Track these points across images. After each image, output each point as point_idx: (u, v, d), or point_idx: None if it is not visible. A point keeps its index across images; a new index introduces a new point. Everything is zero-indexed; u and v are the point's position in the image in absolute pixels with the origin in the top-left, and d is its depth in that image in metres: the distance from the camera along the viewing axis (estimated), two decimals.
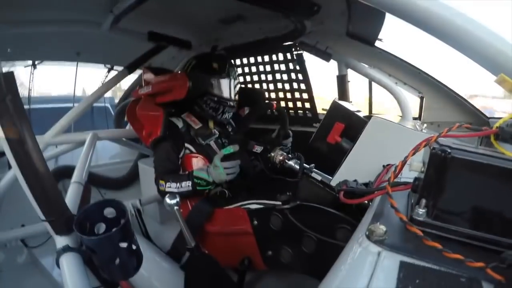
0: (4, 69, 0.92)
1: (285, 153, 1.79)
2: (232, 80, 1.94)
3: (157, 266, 1.63)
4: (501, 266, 0.48)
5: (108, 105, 4.26)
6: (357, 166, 1.27)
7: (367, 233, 0.57)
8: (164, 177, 1.73)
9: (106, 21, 1.94)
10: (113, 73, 2.78)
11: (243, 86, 2.17)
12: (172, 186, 1.69)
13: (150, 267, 1.60)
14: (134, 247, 0.93)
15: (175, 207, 1.38)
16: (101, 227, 0.94)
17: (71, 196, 1.37)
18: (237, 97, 1.99)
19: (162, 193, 1.71)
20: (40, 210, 0.98)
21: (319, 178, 1.63)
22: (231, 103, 1.93)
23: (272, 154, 1.82)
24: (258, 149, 1.94)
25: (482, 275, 0.48)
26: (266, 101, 2.46)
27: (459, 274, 0.48)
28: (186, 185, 1.67)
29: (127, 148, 2.82)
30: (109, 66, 2.82)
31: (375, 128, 1.30)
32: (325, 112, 1.73)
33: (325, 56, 2.18)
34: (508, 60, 0.76)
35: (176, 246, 1.74)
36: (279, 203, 1.42)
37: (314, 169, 1.71)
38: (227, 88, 1.93)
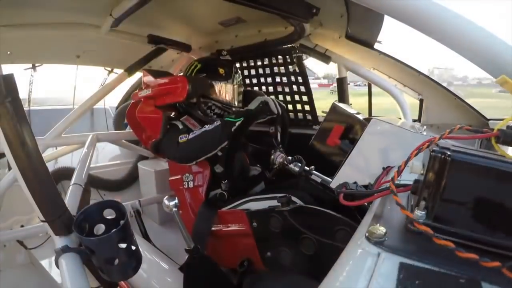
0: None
1: (285, 155, 1.78)
2: (237, 86, 1.94)
3: (156, 267, 1.63)
4: None
5: (108, 107, 4.26)
6: (357, 168, 1.27)
7: (366, 234, 0.57)
8: (186, 131, 1.69)
9: (106, 24, 1.95)
10: (113, 76, 2.79)
11: (244, 88, 2.18)
12: (197, 132, 1.64)
13: (149, 268, 1.60)
14: (133, 248, 0.94)
15: (174, 209, 1.38)
16: (101, 228, 0.94)
17: (71, 197, 1.37)
18: (240, 103, 1.99)
19: (185, 145, 1.65)
20: (39, 211, 0.98)
21: (318, 180, 1.63)
22: (235, 110, 1.93)
23: (272, 157, 1.81)
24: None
25: (482, 276, 0.48)
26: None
27: (458, 275, 0.48)
28: (215, 123, 1.62)
29: (127, 150, 2.82)
30: (109, 68, 2.82)
31: (375, 130, 1.30)
32: (324, 114, 1.73)
33: (325, 58, 2.19)
34: (508, 62, 0.76)
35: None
36: (279, 204, 1.42)
37: (314, 171, 1.70)
38: (231, 94, 1.93)
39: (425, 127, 1.41)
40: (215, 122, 1.62)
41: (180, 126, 1.85)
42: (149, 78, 1.98)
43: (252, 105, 1.64)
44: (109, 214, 0.97)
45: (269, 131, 1.86)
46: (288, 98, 2.57)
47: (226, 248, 1.68)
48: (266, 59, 2.52)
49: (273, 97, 2.65)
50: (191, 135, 1.65)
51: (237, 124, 1.57)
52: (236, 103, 1.95)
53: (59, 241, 0.99)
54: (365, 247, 0.56)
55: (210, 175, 1.79)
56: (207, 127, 1.62)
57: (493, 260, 0.49)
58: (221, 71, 1.89)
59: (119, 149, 3.07)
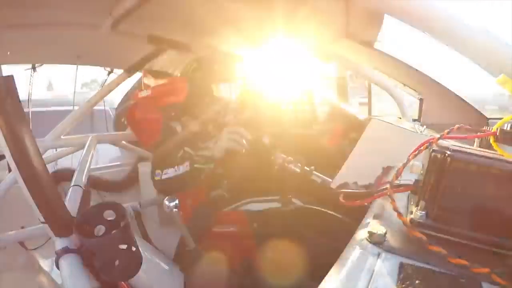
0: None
1: (284, 156, 1.78)
2: (234, 84, 1.94)
3: (156, 268, 1.63)
4: (506, 272, 0.48)
5: (108, 108, 4.26)
6: (357, 168, 1.27)
7: (367, 234, 0.57)
8: (161, 166, 1.66)
9: (105, 23, 1.95)
10: (112, 76, 2.78)
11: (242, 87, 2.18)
12: (169, 172, 1.61)
13: (150, 269, 1.60)
14: (133, 249, 0.93)
15: (174, 209, 1.38)
16: (101, 230, 0.94)
17: (71, 199, 1.37)
18: (238, 101, 1.98)
19: (158, 184, 1.66)
20: (39, 212, 0.98)
21: (319, 180, 1.63)
22: (232, 107, 1.92)
23: (272, 157, 1.81)
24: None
25: (481, 276, 0.48)
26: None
27: (458, 275, 0.48)
28: (185, 165, 1.60)
29: (127, 151, 2.82)
30: (108, 69, 2.82)
31: (375, 130, 1.30)
32: (325, 114, 1.73)
33: (324, 58, 2.19)
34: (508, 62, 0.76)
35: (180, 252, 1.72)
36: (279, 205, 1.42)
37: (314, 172, 1.70)
38: (229, 92, 1.93)
39: (425, 126, 1.41)
40: (185, 164, 1.60)
41: (180, 129, 1.85)
42: (149, 79, 1.98)
43: (218, 153, 1.61)
44: (109, 215, 0.97)
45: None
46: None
47: (227, 249, 1.67)
48: None
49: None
50: (164, 175, 1.63)
51: (206, 170, 1.58)
52: (234, 101, 1.95)
53: (60, 243, 0.99)
54: (366, 247, 0.56)
55: (210, 175, 1.79)
56: (178, 171, 1.60)
57: (489, 261, 0.49)
58: (219, 70, 1.89)
59: (119, 150, 3.07)
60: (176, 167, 1.61)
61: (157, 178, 1.65)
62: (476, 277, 0.48)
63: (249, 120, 1.66)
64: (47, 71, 2.82)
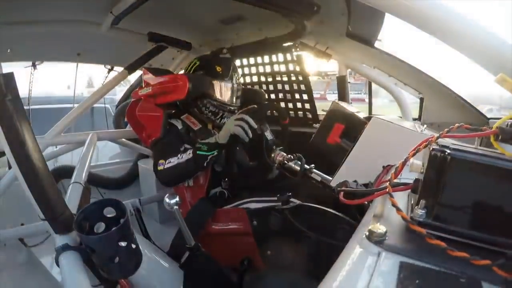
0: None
1: (285, 154, 1.78)
2: (235, 85, 1.94)
3: (156, 265, 1.63)
4: (507, 264, 0.48)
5: (108, 105, 4.26)
6: (357, 167, 1.27)
7: (367, 233, 0.57)
8: (164, 156, 1.68)
9: (106, 21, 1.95)
10: (113, 74, 2.78)
11: (243, 87, 2.19)
12: (172, 161, 1.63)
13: (149, 266, 1.60)
14: (133, 246, 0.94)
15: (175, 207, 1.38)
16: (101, 227, 0.94)
17: (71, 196, 1.37)
18: (238, 101, 1.98)
19: (162, 174, 1.66)
20: (39, 209, 0.98)
21: (319, 178, 1.63)
22: (231, 108, 1.92)
23: (272, 155, 1.81)
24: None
25: (482, 275, 0.48)
26: (266, 102, 2.46)
27: (459, 274, 0.48)
28: (188, 153, 1.60)
29: (127, 148, 2.83)
30: (109, 67, 2.82)
31: (375, 128, 1.30)
32: (325, 113, 1.73)
33: (325, 56, 2.18)
34: (508, 60, 0.76)
35: (175, 245, 1.72)
36: (279, 203, 1.42)
37: (314, 170, 1.70)
38: (229, 92, 1.93)
39: (425, 125, 1.41)
40: (188, 152, 1.60)
41: (180, 126, 1.85)
42: (149, 76, 1.97)
43: (222, 138, 1.60)
44: (109, 212, 0.97)
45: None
46: (289, 96, 2.57)
47: (226, 246, 1.68)
48: (267, 57, 2.51)
49: (273, 96, 2.66)
50: (167, 164, 1.64)
51: (209, 158, 1.57)
52: (234, 101, 1.95)
53: (59, 240, 0.99)
54: (366, 246, 0.56)
55: (210, 173, 1.79)
56: (181, 159, 1.61)
57: (487, 258, 0.49)
58: (219, 69, 1.89)
59: (119, 148, 3.07)
60: (179, 155, 1.62)
61: (160, 168, 1.66)
62: (477, 276, 0.48)
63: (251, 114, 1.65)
64: (88, 68, 2.89)
